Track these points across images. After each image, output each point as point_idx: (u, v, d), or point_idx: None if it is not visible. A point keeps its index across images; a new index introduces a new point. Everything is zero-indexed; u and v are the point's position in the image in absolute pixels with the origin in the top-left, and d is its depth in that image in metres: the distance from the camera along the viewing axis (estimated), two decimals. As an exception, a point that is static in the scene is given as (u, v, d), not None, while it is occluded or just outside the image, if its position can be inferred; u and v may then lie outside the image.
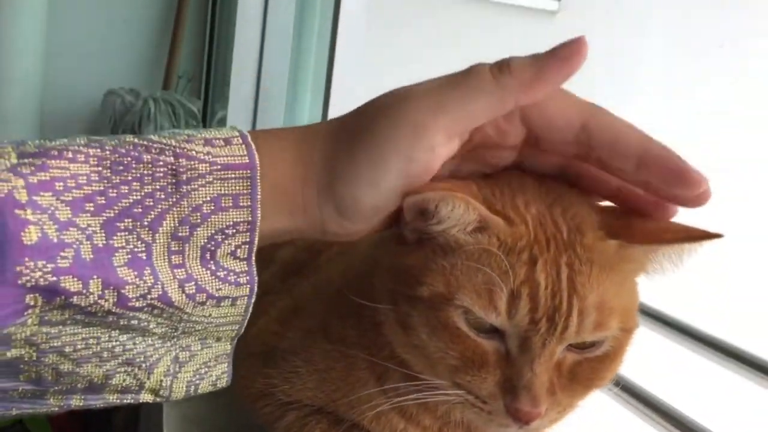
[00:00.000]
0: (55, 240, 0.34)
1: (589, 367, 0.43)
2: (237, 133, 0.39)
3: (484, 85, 0.39)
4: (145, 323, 0.37)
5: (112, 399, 0.39)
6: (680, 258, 0.44)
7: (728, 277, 1.68)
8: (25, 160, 0.34)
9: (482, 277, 0.41)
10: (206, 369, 0.41)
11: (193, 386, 0.41)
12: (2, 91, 1.81)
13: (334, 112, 1.01)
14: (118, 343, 0.37)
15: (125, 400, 0.40)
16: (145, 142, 0.37)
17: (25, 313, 0.34)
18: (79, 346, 0.36)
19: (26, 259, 0.33)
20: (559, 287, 0.41)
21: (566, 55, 0.40)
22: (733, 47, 1.88)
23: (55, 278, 0.34)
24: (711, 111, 1.88)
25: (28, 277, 0.33)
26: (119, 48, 2.10)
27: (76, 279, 0.34)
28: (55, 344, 0.36)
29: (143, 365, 0.38)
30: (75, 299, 0.34)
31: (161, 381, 0.39)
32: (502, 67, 0.39)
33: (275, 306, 0.56)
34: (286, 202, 0.40)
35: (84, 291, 0.34)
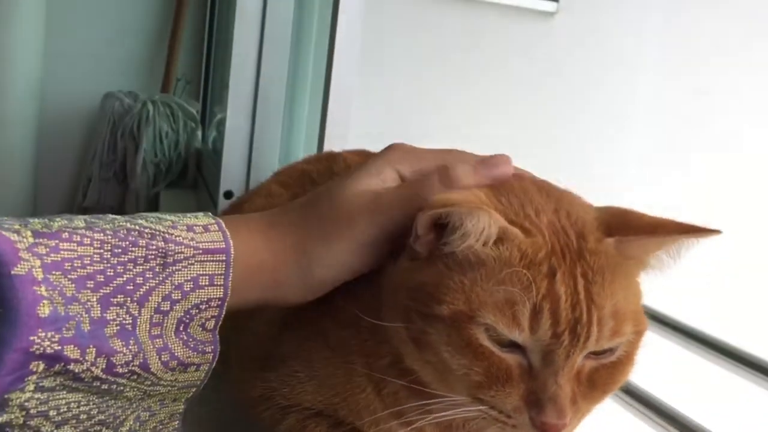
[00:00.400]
0: (63, 313, 0.38)
1: (606, 373, 0.43)
2: (213, 221, 0.45)
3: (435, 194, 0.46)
4: (122, 388, 0.42)
5: None
6: (678, 252, 0.45)
7: (726, 276, 1.68)
8: (40, 240, 0.39)
9: (504, 294, 0.41)
10: (161, 426, 0.46)
11: None
12: (1, 94, 1.81)
13: (332, 114, 1.01)
14: (94, 405, 0.41)
15: None
16: (138, 228, 0.42)
17: (26, 379, 0.38)
18: (62, 410, 0.40)
19: (39, 330, 0.37)
20: (577, 299, 0.41)
21: (501, 174, 0.48)
22: (734, 49, 1.88)
23: (60, 347, 0.38)
24: (710, 111, 1.88)
25: (39, 346, 0.37)
26: (118, 51, 2.10)
27: (76, 348, 0.39)
28: (43, 409, 0.39)
29: (112, 425, 0.43)
30: (72, 366, 0.39)
31: None
32: (450, 177, 0.46)
33: (267, 310, 0.56)
34: (257, 282, 0.46)
35: (81, 358, 0.39)
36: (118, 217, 0.44)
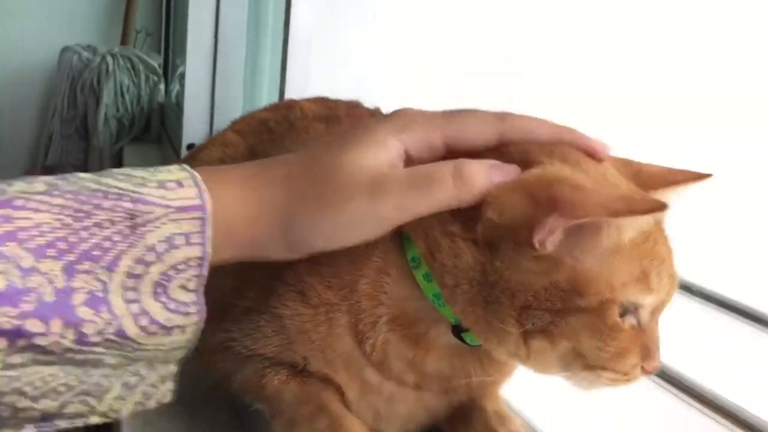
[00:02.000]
0: (20, 286, 0.36)
1: None
2: (188, 175, 0.42)
3: (446, 197, 0.44)
4: (101, 356, 0.40)
5: (63, 424, 0.42)
6: (686, 194, 0.48)
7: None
8: None
9: (640, 268, 0.43)
10: (153, 389, 0.44)
11: (140, 406, 0.44)
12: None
13: (293, 63, 0.99)
14: (73, 376, 0.40)
15: (75, 424, 0.42)
16: (103, 188, 0.40)
17: None
18: (37, 384, 0.39)
19: None
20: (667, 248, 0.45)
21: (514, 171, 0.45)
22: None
23: (19, 321, 0.36)
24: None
25: None
26: (74, 4, 2.04)
27: (38, 320, 0.37)
28: (16, 385, 0.38)
29: (95, 393, 0.41)
30: (37, 339, 0.37)
31: (111, 405, 0.43)
32: (463, 177, 0.44)
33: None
34: (235, 240, 0.44)
35: (45, 331, 0.37)
36: (85, 175, 0.41)
